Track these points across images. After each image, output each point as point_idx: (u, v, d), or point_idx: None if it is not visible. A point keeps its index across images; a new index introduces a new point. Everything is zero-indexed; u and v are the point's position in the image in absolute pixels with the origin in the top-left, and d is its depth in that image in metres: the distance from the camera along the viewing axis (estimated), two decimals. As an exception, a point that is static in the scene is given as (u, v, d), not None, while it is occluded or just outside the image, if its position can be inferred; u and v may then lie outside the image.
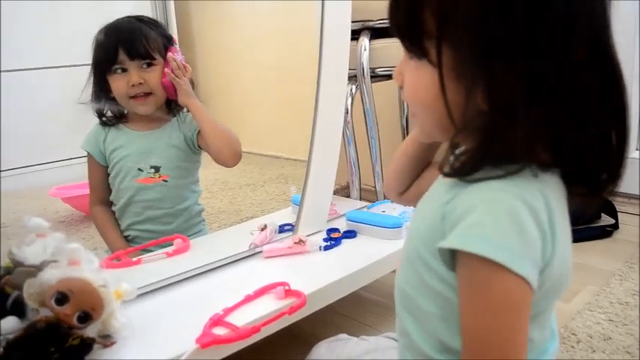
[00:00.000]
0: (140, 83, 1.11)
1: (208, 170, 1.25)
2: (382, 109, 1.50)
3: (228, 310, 0.80)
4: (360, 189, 1.49)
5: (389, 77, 1.45)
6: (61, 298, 0.65)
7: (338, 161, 1.16)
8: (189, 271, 0.95)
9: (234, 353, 0.75)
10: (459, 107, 0.47)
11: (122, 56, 1.11)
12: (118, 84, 1.12)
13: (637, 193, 1.67)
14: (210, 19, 2.03)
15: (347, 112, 1.40)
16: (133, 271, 0.98)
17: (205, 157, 1.20)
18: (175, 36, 1.31)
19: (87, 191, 1.23)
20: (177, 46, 1.18)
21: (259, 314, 0.80)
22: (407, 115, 1.72)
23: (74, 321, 0.65)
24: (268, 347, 0.88)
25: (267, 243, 1.06)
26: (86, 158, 1.19)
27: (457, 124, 0.47)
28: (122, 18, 1.15)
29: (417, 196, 0.68)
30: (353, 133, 1.46)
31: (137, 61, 1.12)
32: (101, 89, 1.15)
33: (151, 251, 1.07)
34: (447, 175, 0.49)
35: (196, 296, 0.89)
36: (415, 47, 0.49)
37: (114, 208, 1.20)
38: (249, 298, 0.84)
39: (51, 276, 0.66)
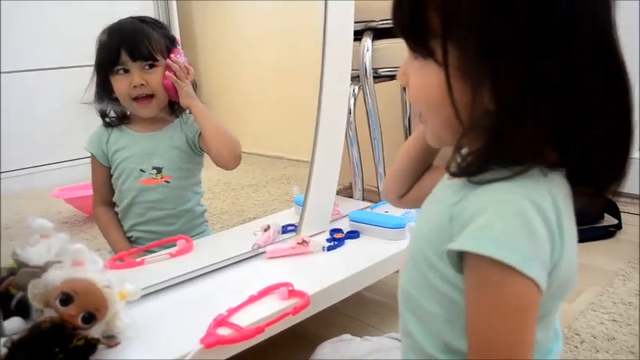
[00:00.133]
0: (142, 84, 1.12)
1: (211, 171, 1.25)
2: (385, 110, 1.50)
3: (232, 311, 0.80)
4: (363, 189, 1.49)
5: (391, 78, 1.45)
6: (66, 299, 0.65)
7: (341, 162, 1.16)
8: (192, 271, 0.95)
9: (238, 353, 0.75)
10: (466, 107, 0.46)
11: (124, 57, 1.11)
12: (120, 85, 1.12)
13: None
14: (212, 20, 2.03)
15: (350, 113, 1.40)
16: (136, 271, 0.98)
17: (207, 159, 1.20)
18: (178, 36, 1.31)
19: (90, 192, 1.23)
20: (180, 48, 1.18)
21: (263, 315, 0.80)
22: (409, 116, 1.72)
23: (79, 321, 0.66)
24: (272, 347, 0.88)
25: (271, 243, 1.06)
26: (89, 159, 1.19)
27: (465, 124, 0.47)
28: (125, 19, 1.15)
29: (416, 199, 0.69)
30: (356, 134, 1.47)
31: (139, 62, 1.12)
32: (104, 90, 1.15)
33: (154, 252, 1.07)
34: (453, 174, 0.49)
35: (200, 297, 0.89)
36: (420, 47, 0.49)
37: (117, 209, 1.20)
38: (252, 299, 0.84)
39: (55, 277, 0.67)
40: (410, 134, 1.63)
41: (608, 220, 1.60)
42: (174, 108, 1.20)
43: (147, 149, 1.17)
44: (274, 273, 0.95)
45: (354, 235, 1.13)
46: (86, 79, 1.14)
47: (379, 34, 1.39)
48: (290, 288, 0.85)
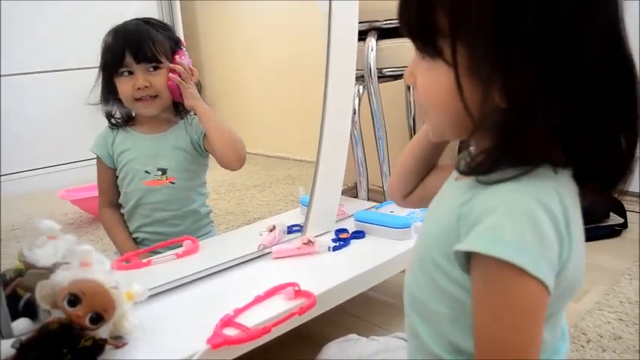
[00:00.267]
0: (146, 86, 1.12)
1: (215, 172, 1.25)
2: (389, 110, 1.50)
3: (239, 311, 0.80)
4: (368, 189, 1.49)
5: (396, 77, 1.45)
6: (73, 300, 0.66)
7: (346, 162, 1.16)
8: (199, 272, 0.95)
9: (245, 353, 0.76)
10: (476, 106, 0.46)
11: (129, 59, 1.11)
12: (125, 87, 1.13)
13: (645, 192, 1.66)
14: (216, 20, 2.03)
15: (354, 113, 1.40)
16: (143, 272, 0.98)
17: (212, 160, 1.21)
18: (182, 37, 1.32)
19: (95, 193, 1.23)
20: (184, 49, 1.18)
21: (269, 315, 0.80)
22: (414, 116, 1.72)
23: (86, 322, 0.66)
24: (278, 348, 0.89)
25: (276, 244, 1.06)
26: (94, 161, 1.20)
27: (474, 122, 0.47)
28: (130, 20, 1.15)
29: (421, 198, 0.69)
30: (360, 134, 1.47)
31: (143, 64, 1.12)
32: (109, 91, 1.15)
33: (160, 253, 1.07)
34: (463, 172, 0.49)
35: (207, 297, 0.89)
36: (429, 47, 0.49)
37: (122, 211, 1.21)
38: (259, 299, 0.84)
39: (63, 278, 0.67)
40: (414, 134, 1.63)
41: (614, 219, 1.59)
42: (178, 109, 1.20)
43: (152, 151, 1.17)
44: (280, 273, 0.95)
45: (359, 235, 1.13)
46: (93, 80, 1.14)
47: (383, 34, 1.38)
48: (296, 288, 0.85)
